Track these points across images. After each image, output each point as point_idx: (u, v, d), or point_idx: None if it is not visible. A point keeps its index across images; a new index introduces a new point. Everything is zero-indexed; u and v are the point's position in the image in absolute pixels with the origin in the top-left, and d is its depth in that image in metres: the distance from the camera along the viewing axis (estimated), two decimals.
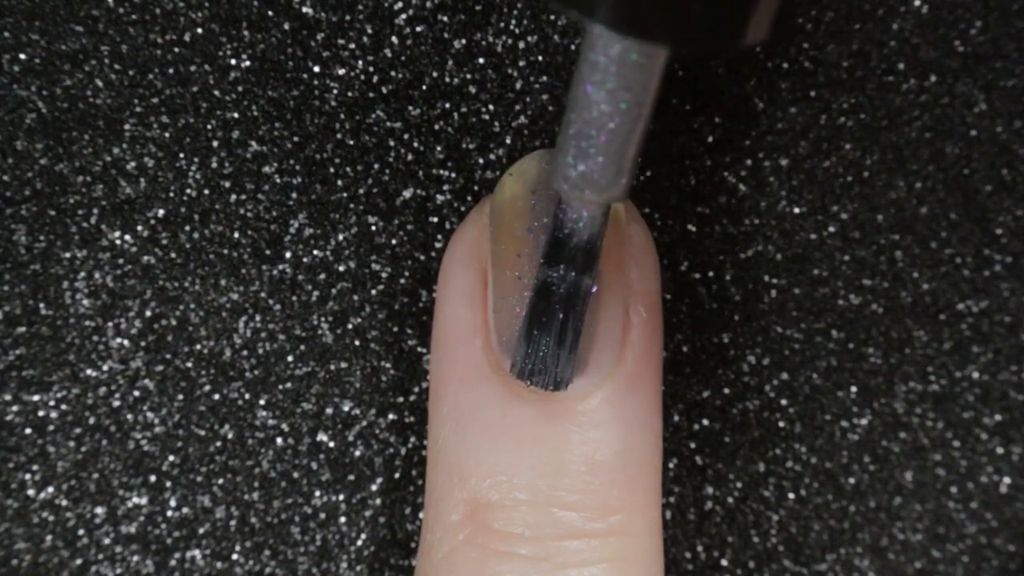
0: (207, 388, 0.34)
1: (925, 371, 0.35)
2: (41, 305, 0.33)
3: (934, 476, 0.36)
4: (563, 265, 0.28)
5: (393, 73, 0.33)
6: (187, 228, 0.33)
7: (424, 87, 0.33)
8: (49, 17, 0.32)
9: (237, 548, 0.35)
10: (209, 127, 0.33)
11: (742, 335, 0.35)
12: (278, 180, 0.33)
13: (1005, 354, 0.35)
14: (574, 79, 0.26)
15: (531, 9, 0.33)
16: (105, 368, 0.34)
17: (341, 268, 0.34)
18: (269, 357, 0.34)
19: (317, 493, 0.35)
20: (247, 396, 0.34)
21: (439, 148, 0.33)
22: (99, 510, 0.34)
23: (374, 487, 0.35)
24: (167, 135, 0.33)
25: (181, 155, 0.33)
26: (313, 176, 0.33)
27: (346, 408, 0.35)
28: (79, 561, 0.35)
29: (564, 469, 0.29)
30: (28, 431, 0.34)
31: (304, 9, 0.32)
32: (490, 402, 0.29)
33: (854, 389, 0.35)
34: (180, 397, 0.34)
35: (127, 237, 0.33)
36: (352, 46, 0.33)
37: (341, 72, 0.33)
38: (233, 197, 0.33)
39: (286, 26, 0.32)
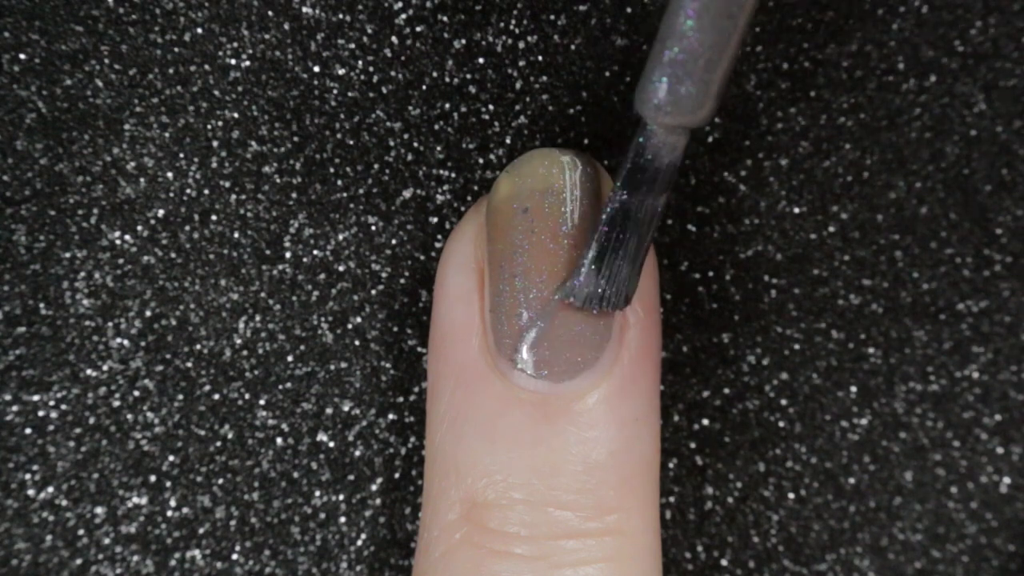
0: (207, 388, 0.34)
1: (925, 371, 0.35)
2: (41, 305, 0.33)
3: (934, 476, 0.36)
4: (642, 190, 0.28)
5: (393, 73, 0.33)
6: (187, 228, 0.33)
7: (424, 87, 0.33)
8: (49, 17, 0.32)
9: (237, 548, 0.35)
10: (209, 127, 0.33)
11: (742, 335, 0.35)
12: (278, 180, 0.33)
13: (1005, 354, 0.35)
14: (670, 6, 0.26)
15: (531, 9, 0.33)
16: (105, 368, 0.34)
17: (341, 268, 0.34)
18: (269, 357, 0.34)
19: (317, 493, 0.35)
20: (247, 396, 0.34)
21: (439, 148, 0.33)
22: (99, 510, 0.34)
23: (374, 487, 0.35)
24: (167, 135, 0.33)
25: (181, 155, 0.33)
26: (313, 176, 0.33)
27: (346, 408, 0.35)
28: (79, 561, 0.35)
29: (560, 468, 0.29)
30: (28, 431, 0.34)
31: (304, 9, 0.32)
32: (487, 402, 0.30)
33: (854, 389, 0.35)
34: (180, 397, 0.34)
35: (127, 237, 0.33)
36: (352, 46, 0.33)
37: (341, 72, 0.33)
38: (233, 197, 0.33)
39: (286, 26, 0.32)
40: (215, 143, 0.33)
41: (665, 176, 0.28)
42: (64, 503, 0.34)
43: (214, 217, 0.33)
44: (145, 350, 0.34)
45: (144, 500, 0.34)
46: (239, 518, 0.35)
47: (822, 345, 0.35)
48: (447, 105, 0.33)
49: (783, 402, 0.35)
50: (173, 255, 0.33)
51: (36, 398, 0.34)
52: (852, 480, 0.36)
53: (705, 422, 0.35)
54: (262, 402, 0.34)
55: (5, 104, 0.32)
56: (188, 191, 0.33)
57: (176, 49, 0.33)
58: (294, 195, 0.33)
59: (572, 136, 0.33)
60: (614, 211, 0.28)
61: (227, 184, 0.33)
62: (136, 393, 0.34)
